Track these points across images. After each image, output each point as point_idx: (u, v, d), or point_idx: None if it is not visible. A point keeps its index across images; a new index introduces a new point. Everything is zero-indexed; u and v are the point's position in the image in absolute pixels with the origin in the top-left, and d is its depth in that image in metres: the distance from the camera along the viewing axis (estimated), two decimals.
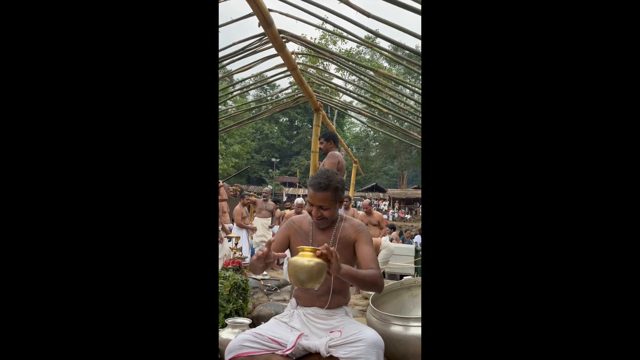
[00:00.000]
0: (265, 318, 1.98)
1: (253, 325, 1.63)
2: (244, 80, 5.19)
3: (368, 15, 1.64)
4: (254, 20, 2.53)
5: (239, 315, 2.04)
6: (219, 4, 2.30)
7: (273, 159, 25.94)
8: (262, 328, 1.43)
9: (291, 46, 2.97)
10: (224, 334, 1.55)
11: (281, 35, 2.54)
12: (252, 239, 5.49)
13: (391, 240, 7.38)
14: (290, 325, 1.45)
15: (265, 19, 2.22)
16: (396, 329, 1.50)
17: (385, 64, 18.66)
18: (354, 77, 10.51)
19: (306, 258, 1.13)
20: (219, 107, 5.12)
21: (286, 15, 2.36)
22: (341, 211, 1.66)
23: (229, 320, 1.63)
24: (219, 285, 2.12)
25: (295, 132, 30.28)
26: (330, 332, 1.33)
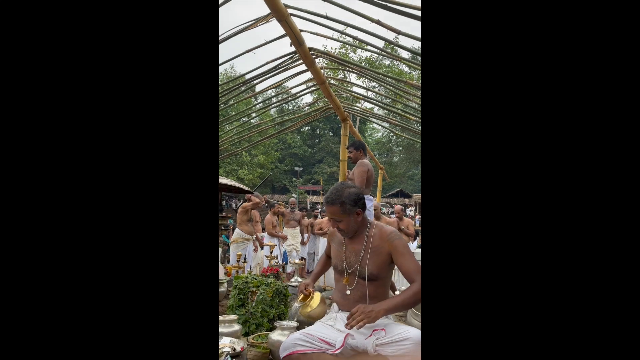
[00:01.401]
0: (306, 323, 2.06)
1: (298, 328, 1.73)
2: (273, 97, 5.39)
3: (399, 32, 1.73)
4: (278, 41, 2.69)
5: (281, 320, 2.14)
6: (254, 28, 2.47)
7: (296, 168, 26.25)
8: (312, 329, 1.52)
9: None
10: (274, 335, 1.66)
11: (311, 52, 2.68)
12: (282, 246, 5.63)
13: (420, 247, 7.30)
14: (335, 327, 1.53)
15: (297, 39, 2.37)
16: None
17: (406, 69, 18.57)
18: (374, 84, 10.54)
19: (306, 306, 1.62)
20: (250, 122, 5.31)
21: (317, 34, 2.50)
22: (371, 218, 1.70)
23: (277, 323, 1.74)
24: (262, 291, 2.23)
25: (317, 140, 30.52)
26: (374, 331, 1.40)
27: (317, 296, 1.63)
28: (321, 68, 2.94)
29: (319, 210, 8.35)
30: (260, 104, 5.64)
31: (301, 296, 1.66)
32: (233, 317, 1.94)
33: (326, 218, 5.64)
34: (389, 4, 1.51)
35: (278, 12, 2.08)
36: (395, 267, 1.55)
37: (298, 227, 5.93)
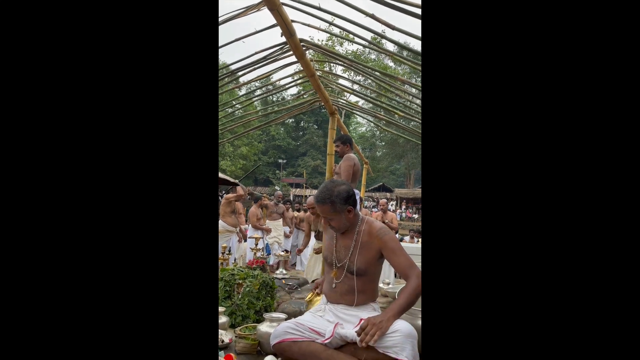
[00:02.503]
0: (290, 315, 2.08)
1: (287, 320, 1.74)
2: (258, 88, 5.31)
3: (393, 28, 1.73)
4: (266, 31, 2.65)
5: (267, 312, 2.15)
6: (244, 17, 2.42)
7: (280, 160, 26.10)
8: (302, 319, 1.54)
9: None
10: (262, 327, 1.66)
11: (301, 43, 2.65)
12: (265, 239, 5.62)
13: (401, 240, 7.46)
14: (325, 318, 1.55)
15: (288, 30, 2.33)
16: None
17: (391, 64, 18.68)
18: (359, 77, 10.57)
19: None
20: (234, 112, 5.23)
21: (308, 25, 2.47)
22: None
23: (266, 315, 1.74)
24: (249, 283, 2.23)
25: (301, 133, 30.39)
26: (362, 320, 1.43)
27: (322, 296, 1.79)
28: (311, 60, 2.92)
29: (301, 203, 8.36)
30: (246, 95, 5.55)
31: (310, 294, 1.90)
32: (220, 309, 1.93)
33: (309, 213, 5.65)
34: (398, 3, 1.50)
35: (270, 1, 2.04)
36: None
37: (280, 220, 5.93)
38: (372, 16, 1.82)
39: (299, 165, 27.74)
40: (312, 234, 3.46)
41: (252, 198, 5.99)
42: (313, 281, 2.49)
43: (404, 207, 20.63)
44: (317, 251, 3.41)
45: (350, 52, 16.79)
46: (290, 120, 29.17)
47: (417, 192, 22.27)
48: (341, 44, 16.12)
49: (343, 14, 2.15)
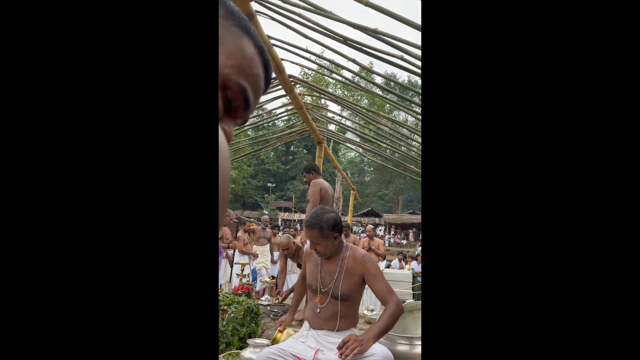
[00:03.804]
0: (274, 341, 2.11)
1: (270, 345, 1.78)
2: (251, 117, 5.46)
3: (373, 72, 1.92)
4: None
5: (251, 338, 2.17)
6: None
7: (269, 184, 26.13)
8: (284, 345, 1.59)
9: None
10: (246, 353, 1.70)
11: (290, 79, 2.84)
12: (252, 264, 5.59)
13: (388, 267, 7.46)
14: (307, 344, 1.61)
15: (277, 67, 2.51)
16: (402, 347, 1.67)
17: (379, 91, 19.32)
18: (346, 110, 10.88)
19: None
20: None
21: (297, 64, 2.67)
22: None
23: (250, 341, 1.78)
24: (234, 309, 2.26)
25: (291, 157, 30.66)
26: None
27: (284, 333, 1.83)
28: (299, 94, 3.10)
29: (291, 227, 8.33)
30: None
31: (277, 332, 1.86)
32: None
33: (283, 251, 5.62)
34: (374, 52, 1.68)
35: None
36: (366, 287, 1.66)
37: (268, 245, 5.93)
38: (354, 61, 2.00)
39: (288, 189, 27.77)
40: (293, 265, 3.45)
41: (240, 222, 6.00)
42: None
43: (392, 232, 20.70)
44: (280, 299, 3.17)
45: (339, 81, 17.36)
46: (280, 144, 29.39)
47: (405, 217, 22.45)
48: (330, 74, 16.69)
49: (328, 56, 2.34)
